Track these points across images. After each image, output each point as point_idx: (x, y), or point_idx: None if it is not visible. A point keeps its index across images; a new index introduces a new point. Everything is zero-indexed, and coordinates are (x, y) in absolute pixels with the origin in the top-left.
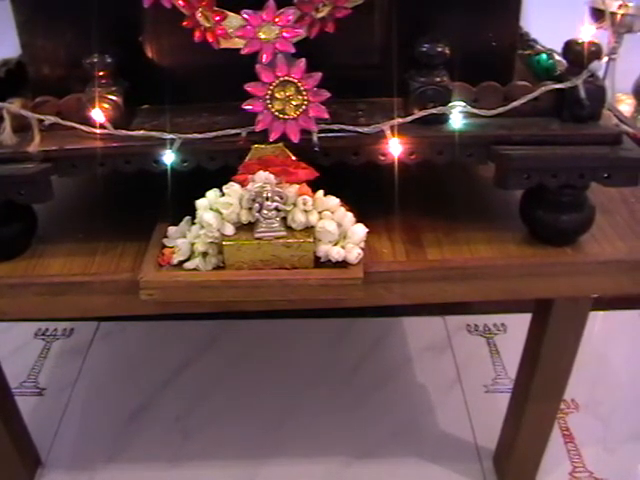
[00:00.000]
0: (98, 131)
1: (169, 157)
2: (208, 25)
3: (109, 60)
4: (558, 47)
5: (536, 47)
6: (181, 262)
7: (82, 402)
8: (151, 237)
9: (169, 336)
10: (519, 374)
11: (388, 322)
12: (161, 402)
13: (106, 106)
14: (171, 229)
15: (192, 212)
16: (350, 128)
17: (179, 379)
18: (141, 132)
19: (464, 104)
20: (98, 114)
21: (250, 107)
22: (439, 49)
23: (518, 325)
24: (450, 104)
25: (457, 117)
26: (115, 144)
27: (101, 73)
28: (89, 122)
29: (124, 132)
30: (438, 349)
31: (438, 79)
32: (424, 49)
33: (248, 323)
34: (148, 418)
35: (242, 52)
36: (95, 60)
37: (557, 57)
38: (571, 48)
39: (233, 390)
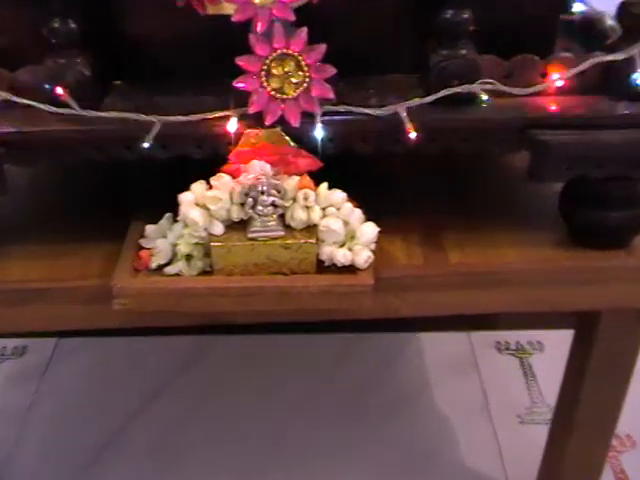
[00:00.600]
0: (61, 111)
1: (147, 143)
2: None
3: (73, 25)
4: (611, 9)
5: (583, 10)
6: (161, 266)
7: (36, 435)
8: (125, 237)
9: (142, 355)
10: (560, 402)
11: (402, 338)
12: (131, 434)
13: (71, 81)
14: (149, 228)
15: (174, 208)
16: (359, 110)
17: (153, 407)
18: (114, 113)
19: (494, 81)
20: (61, 90)
21: (242, 85)
22: (465, 15)
23: (557, 343)
24: (477, 81)
25: (485, 97)
26: (82, 127)
27: (64, 41)
28: (50, 100)
29: (93, 113)
30: (462, 371)
31: (463, 52)
32: (447, 16)
33: (236, 339)
34: (115, 453)
35: (233, 19)
36: (56, 25)
37: (609, 22)
38: (627, 11)
39: (216, 420)
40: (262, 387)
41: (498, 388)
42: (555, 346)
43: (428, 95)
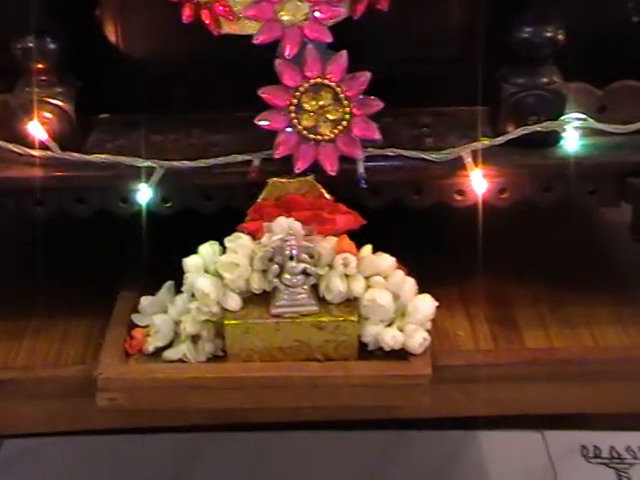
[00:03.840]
0: (35, 153)
1: (144, 194)
2: None
3: (52, 46)
4: None
5: None
6: (159, 349)
7: None
8: (113, 311)
9: (118, 457)
10: None
11: (456, 437)
12: None
13: (48, 115)
14: (145, 300)
15: (177, 276)
16: (411, 154)
17: None
18: (102, 157)
19: (584, 116)
20: (36, 127)
21: (267, 123)
22: (548, 34)
23: None
24: (563, 117)
25: (573, 136)
26: (61, 173)
27: (40, 66)
28: (21, 139)
29: (76, 155)
30: None
31: (545, 80)
32: (525, 35)
33: (247, 436)
34: None
35: (255, 41)
36: (30, 45)
37: None
38: None
39: None
40: None
41: None
42: None
43: (499, 134)
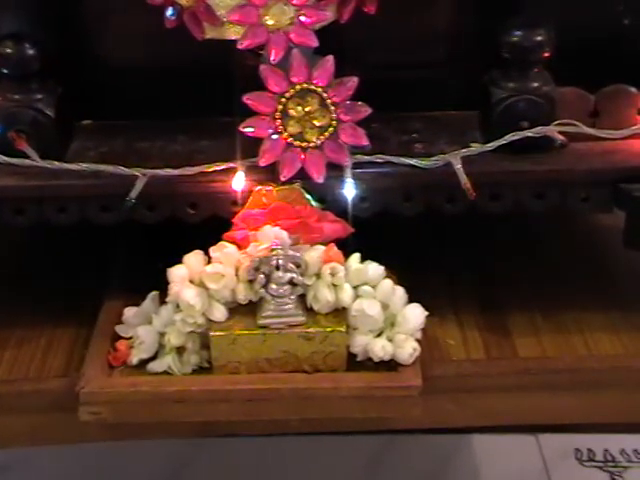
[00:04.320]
0: (15, 162)
1: (127, 203)
2: (187, 3)
3: (32, 51)
4: None
5: None
6: (144, 361)
7: None
8: (96, 321)
9: (108, 463)
10: None
11: (449, 442)
12: None
13: (28, 123)
14: (129, 311)
15: (162, 286)
16: (400, 161)
17: None
18: (84, 165)
19: (576, 122)
20: (15, 136)
21: (252, 130)
22: (539, 37)
23: None
24: (555, 122)
25: (565, 142)
26: (41, 182)
27: (19, 71)
28: (0, 147)
29: (56, 164)
30: None
31: (536, 84)
32: (516, 39)
33: (236, 442)
34: None
35: (239, 46)
36: (9, 51)
37: None
38: None
39: None
40: None
41: None
42: None
43: (490, 140)
